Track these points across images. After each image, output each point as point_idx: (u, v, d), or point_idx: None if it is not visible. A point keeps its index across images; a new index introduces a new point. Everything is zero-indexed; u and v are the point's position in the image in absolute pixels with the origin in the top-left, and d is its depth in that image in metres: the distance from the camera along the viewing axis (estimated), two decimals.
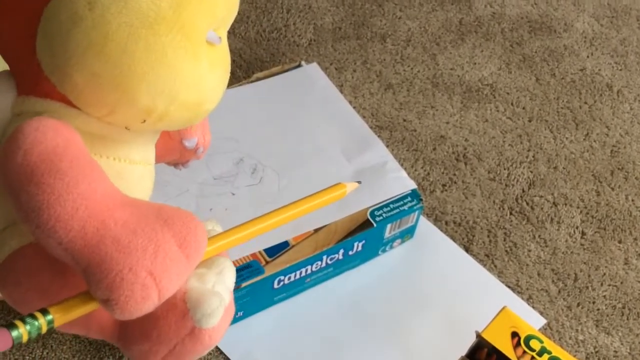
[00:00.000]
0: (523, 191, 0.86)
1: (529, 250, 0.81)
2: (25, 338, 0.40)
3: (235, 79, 0.95)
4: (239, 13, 1.04)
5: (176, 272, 0.42)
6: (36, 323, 0.40)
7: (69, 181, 0.41)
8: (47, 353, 0.67)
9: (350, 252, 0.74)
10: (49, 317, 0.41)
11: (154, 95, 0.45)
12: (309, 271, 0.72)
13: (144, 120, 0.47)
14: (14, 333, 0.39)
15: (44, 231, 0.41)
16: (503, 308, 0.66)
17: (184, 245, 0.42)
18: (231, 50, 0.99)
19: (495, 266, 0.79)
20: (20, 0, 0.46)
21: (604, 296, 0.77)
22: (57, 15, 0.44)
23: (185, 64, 0.45)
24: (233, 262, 0.69)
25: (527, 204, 0.85)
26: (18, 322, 0.40)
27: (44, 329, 0.41)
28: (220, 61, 0.49)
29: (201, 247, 0.44)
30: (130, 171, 0.50)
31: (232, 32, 1.01)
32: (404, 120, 0.93)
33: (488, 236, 0.82)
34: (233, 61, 0.98)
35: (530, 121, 0.94)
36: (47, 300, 0.44)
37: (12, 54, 0.48)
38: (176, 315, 0.45)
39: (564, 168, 0.89)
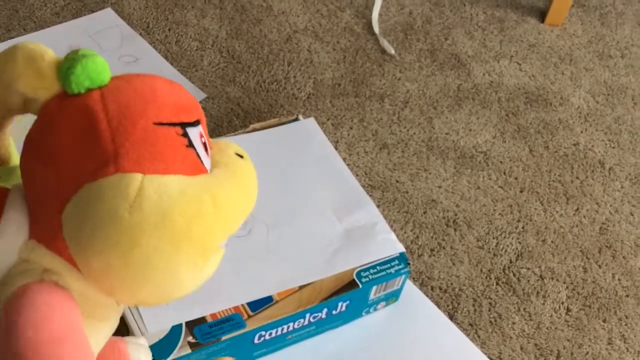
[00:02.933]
0: (511, 262, 0.86)
1: (514, 323, 0.80)
2: None
3: (232, 128, 0.95)
4: (240, 62, 1.05)
5: None
6: None
7: None
8: None
9: (334, 312, 0.73)
10: None
11: (153, 295, 0.48)
12: (290, 328, 0.71)
13: (135, 305, 0.51)
14: None
15: None
16: None
17: None
18: (230, 99, 0.99)
19: (479, 336, 0.78)
20: (64, 170, 0.46)
21: None
22: (96, 202, 0.45)
23: (192, 276, 0.48)
24: (215, 314, 0.68)
25: (514, 275, 0.85)
26: None
27: None
28: (218, 260, 0.51)
29: None
30: (97, 329, 0.52)
31: (232, 81, 1.02)
32: (397, 182, 0.93)
33: (473, 305, 0.81)
34: (231, 110, 0.98)
35: (521, 192, 0.95)
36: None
37: (37, 202, 0.48)
38: None
39: (552, 242, 0.89)
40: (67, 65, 0.46)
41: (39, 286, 0.46)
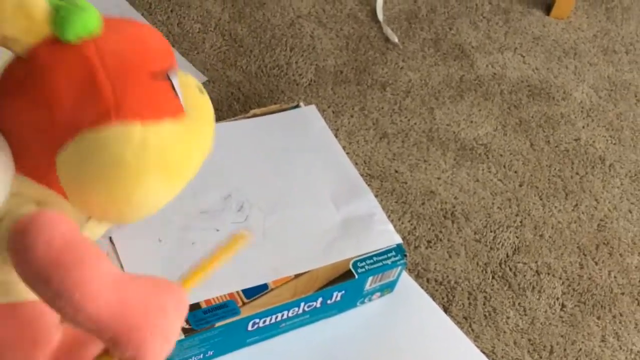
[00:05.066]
0: (507, 256, 0.86)
1: (508, 317, 0.80)
2: None
3: (232, 112, 0.94)
4: (242, 46, 1.04)
5: (177, 329, 0.51)
6: None
7: (91, 264, 0.46)
8: None
9: (329, 301, 0.73)
10: None
11: (139, 217, 0.53)
12: (285, 316, 0.71)
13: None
14: None
15: (75, 309, 0.45)
16: None
17: (179, 307, 0.51)
18: (231, 83, 0.99)
19: (473, 330, 0.78)
20: (61, 115, 0.49)
21: None
22: (102, 149, 0.49)
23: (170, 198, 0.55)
24: (210, 300, 0.67)
25: (510, 269, 0.85)
26: None
27: None
28: None
29: (187, 307, 0.53)
30: None
31: (234, 65, 1.01)
32: (396, 172, 0.92)
33: (468, 298, 0.81)
34: (231, 94, 0.97)
35: (520, 186, 0.95)
36: None
37: (24, 140, 0.50)
38: None
39: (549, 237, 0.89)
40: (63, 13, 0.49)
41: (38, 214, 0.48)
